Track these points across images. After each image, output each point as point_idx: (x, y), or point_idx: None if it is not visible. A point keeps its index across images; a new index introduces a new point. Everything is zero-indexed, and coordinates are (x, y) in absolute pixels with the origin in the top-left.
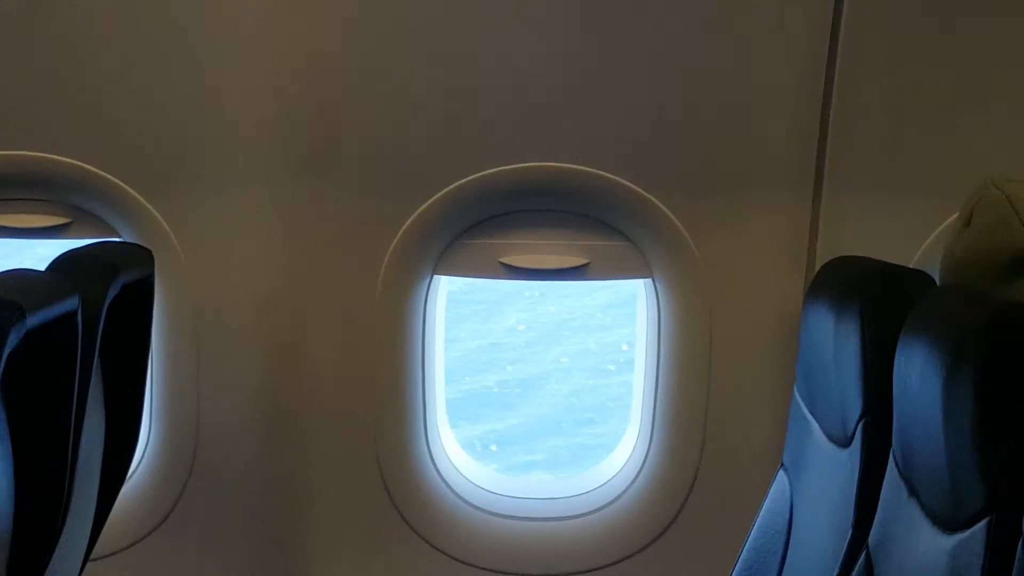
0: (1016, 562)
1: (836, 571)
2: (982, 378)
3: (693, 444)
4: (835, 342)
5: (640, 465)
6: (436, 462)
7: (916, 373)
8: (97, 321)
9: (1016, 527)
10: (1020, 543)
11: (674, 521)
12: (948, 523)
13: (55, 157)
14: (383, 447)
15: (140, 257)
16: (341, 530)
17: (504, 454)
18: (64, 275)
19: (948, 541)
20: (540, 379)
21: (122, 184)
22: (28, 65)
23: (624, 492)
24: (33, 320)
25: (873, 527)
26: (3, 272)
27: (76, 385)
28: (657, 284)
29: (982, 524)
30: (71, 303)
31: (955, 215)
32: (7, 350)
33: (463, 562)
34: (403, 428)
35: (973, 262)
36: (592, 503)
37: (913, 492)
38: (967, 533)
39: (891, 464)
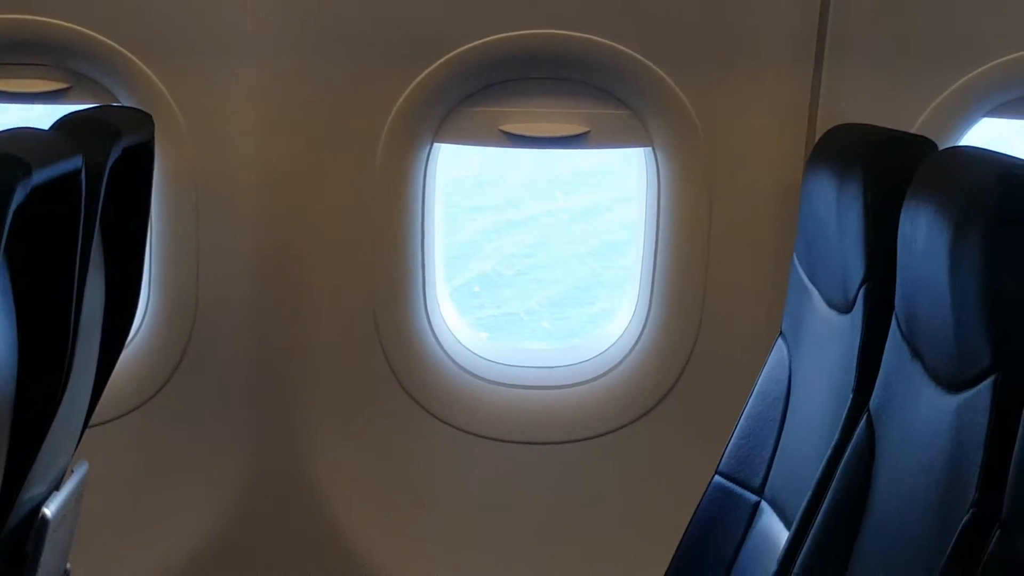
0: (1022, 419)
1: (836, 436)
2: (990, 236)
3: (692, 312)
4: (837, 208)
5: (639, 333)
6: (435, 331)
7: (922, 234)
8: (100, 181)
9: (1022, 385)
10: None
11: (672, 389)
12: (952, 383)
13: (55, 21)
14: (382, 315)
15: (141, 121)
16: (341, 397)
17: None
18: (67, 135)
19: (952, 401)
20: None
21: (122, 49)
22: None
23: (623, 360)
24: (38, 177)
25: (874, 391)
26: (7, 130)
27: (79, 246)
28: (657, 152)
29: (987, 383)
30: (75, 162)
31: (958, 83)
32: (13, 205)
33: (463, 430)
34: (403, 297)
35: None
36: (591, 371)
37: (916, 354)
38: (972, 392)
39: (893, 327)
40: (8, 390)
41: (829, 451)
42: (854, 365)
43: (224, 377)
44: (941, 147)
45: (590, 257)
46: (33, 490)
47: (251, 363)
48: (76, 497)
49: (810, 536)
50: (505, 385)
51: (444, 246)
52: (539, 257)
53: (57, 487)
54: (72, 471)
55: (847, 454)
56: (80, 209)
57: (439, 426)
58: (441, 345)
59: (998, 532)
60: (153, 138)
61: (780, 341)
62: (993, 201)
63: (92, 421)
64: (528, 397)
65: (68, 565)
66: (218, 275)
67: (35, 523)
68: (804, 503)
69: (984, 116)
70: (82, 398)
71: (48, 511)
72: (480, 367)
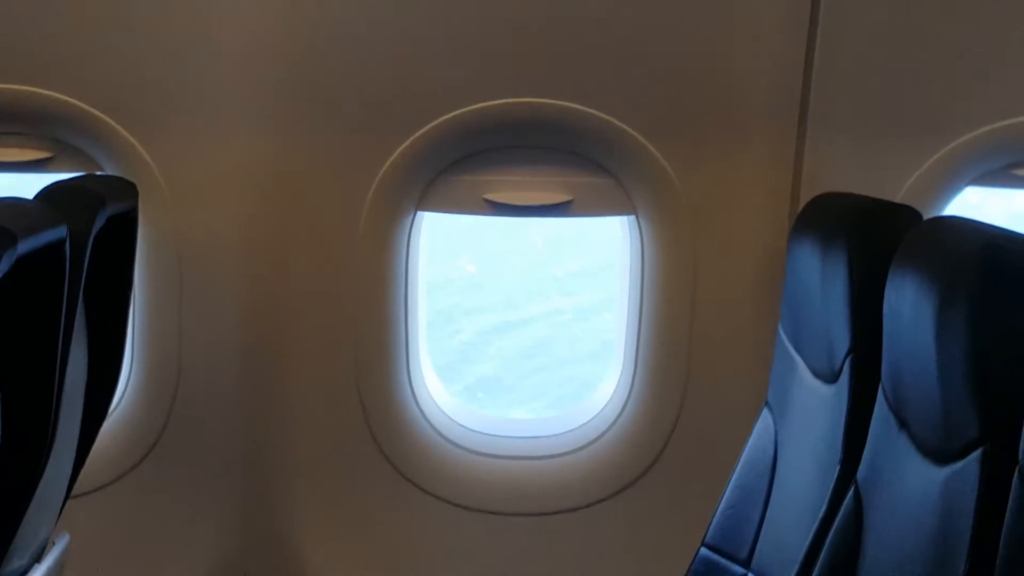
0: (1012, 491)
1: (824, 507)
2: (975, 306)
3: (677, 382)
4: (822, 278)
5: (624, 403)
6: (418, 401)
7: (908, 304)
8: (84, 251)
9: (1011, 456)
10: (1016, 472)
11: (658, 459)
12: (940, 454)
13: (38, 90)
14: (366, 384)
15: (125, 190)
16: (324, 468)
17: None
18: (52, 205)
19: (940, 472)
20: None
21: (105, 118)
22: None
23: (608, 430)
24: (23, 246)
25: (861, 462)
26: None
27: (63, 315)
28: (641, 221)
29: (976, 454)
30: (59, 232)
31: (941, 152)
32: None
33: (447, 501)
34: (385, 366)
35: None
36: (575, 441)
37: (903, 425)
38: (960, 464)
39: (880, 398)
40: None
41: (817, 522)
42: (841, 436)
43: (207, 447)
44: (926, 216)
45: (591, 359)
46: (14, 563)
47: (234, 432)
48: (57, 570)
49: None
50: (489, 455)
51: (444, 349)
52: (541, 359)
53: (38, 559)
54: (54, 543)
55: (835, 525)
56: (64, 278)
57: (423, 497)
58: (424, 415)
59: None
60: (137, 207)
61: (765, 411)
62: (978, 271)
63: (73, 492)
64: (512, 467)
65: None
66: (201, 345)
67: None
68: (792, 575)
69: (968, 185)
70: (64, 468)
71: None
72: (464, 437)
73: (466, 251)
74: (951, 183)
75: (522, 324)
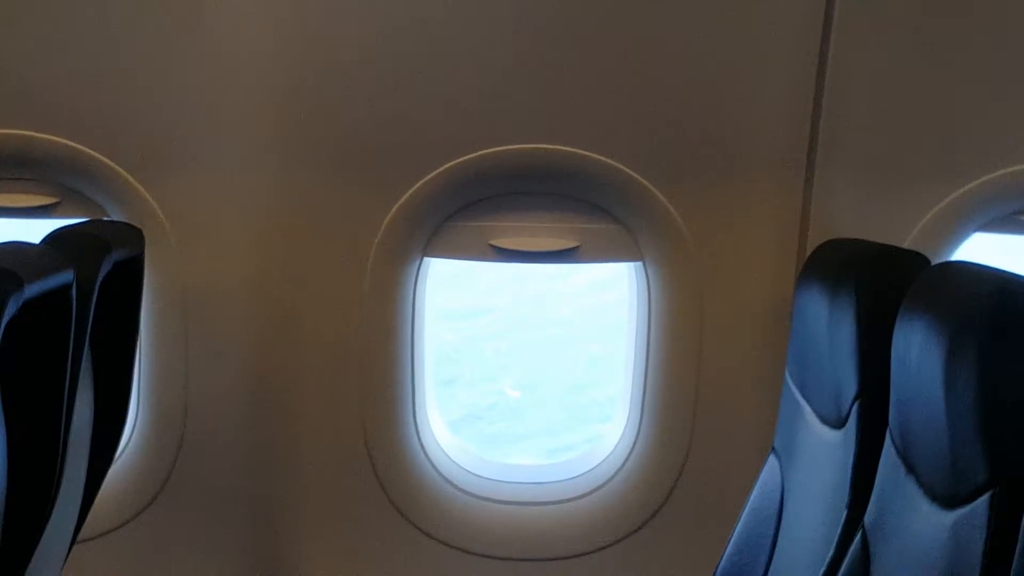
0: (1020, 535)
1: (831, 553)
2: (985, 351)
3: (683, 428)
4: (829, 323)
5: (629, 449)
6: (424, 446)
7: (916, 349)
8: (90, 295)
9: (1019, 500)
10: None
11: (663, 505)
12: (948, 499)
13: (43, 136)
14: (371, 430)
15: (131, 236)
16: (329, 513)
17: None
18: (58, 250)
19: (948, 517)
20: None
21: (111, 163)
22: (18, 44)
23: (613, 476)
24: (30, 291)
25: (869, 507)
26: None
27: (69, 360)
28: (648, 267)
29: (984, 499)
30: (66, 276)
31: (949, 198)
32: (5, 319)
33: (451, 546)
34: (391, 411)
35: None
36: (581, 487)
37: (911, 470)
38: (968, 508)
39: (888, 443)
40: None
41: (824, 568)
42: (848, 481)
43: (213, 492)
44: (933, 262)
45: None
46: None
47: (240, 477)
48: None
49: None
50: (494, 501)
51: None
52: None
53: None
54: None
55: (842, 571)
56: (70, 323)
57: (428, 542)
58: (430, 460)
59: None
60: (143, 252)
61: (772, 457)
62: (988, 316)
63: (79, 537)
64: (518, 513)
65: None
66: (207, 390)
67: None
68: None
69: (976, 231)
70: (70, 513)
71: None
72: (469, 483)
73: (508, 374)
74: (959, 229)
75: (568, 451)
